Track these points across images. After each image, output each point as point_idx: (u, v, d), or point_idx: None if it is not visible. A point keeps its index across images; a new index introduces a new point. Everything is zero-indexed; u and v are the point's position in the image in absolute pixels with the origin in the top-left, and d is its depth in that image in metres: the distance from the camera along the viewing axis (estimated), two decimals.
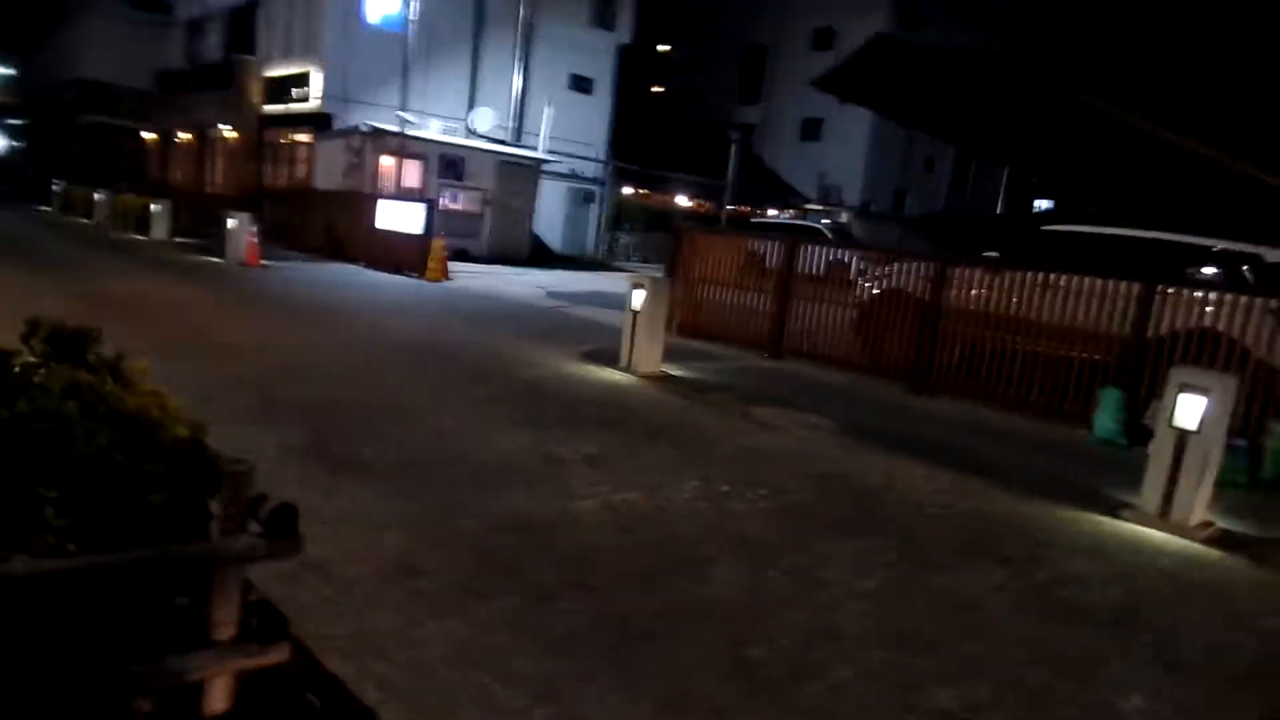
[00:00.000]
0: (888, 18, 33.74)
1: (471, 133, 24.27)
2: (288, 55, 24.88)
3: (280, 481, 3.69)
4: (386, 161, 21.77)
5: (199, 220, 21.75)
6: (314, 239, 20.13)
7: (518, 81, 26.12)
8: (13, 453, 1.99)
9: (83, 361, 2.74)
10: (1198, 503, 5.05)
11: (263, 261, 15.90)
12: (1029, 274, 8.37)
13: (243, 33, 26.95)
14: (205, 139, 28.96)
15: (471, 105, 24.85)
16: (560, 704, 2.69)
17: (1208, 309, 7.35)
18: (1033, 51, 10.38)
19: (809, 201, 35.48)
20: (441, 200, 21.10)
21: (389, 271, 16.88)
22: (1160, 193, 12.17)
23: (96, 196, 23.21)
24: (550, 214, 26.76)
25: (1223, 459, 5.27)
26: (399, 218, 17.43)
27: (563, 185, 27.62)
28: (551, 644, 3.04)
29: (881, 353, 9.46)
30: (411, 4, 21.64)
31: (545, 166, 25.02)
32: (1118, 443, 7.28)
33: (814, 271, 10.36)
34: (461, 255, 19.98)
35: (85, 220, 23.30)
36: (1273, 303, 7.02)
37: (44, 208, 27.48)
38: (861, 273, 10.08)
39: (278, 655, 2.18)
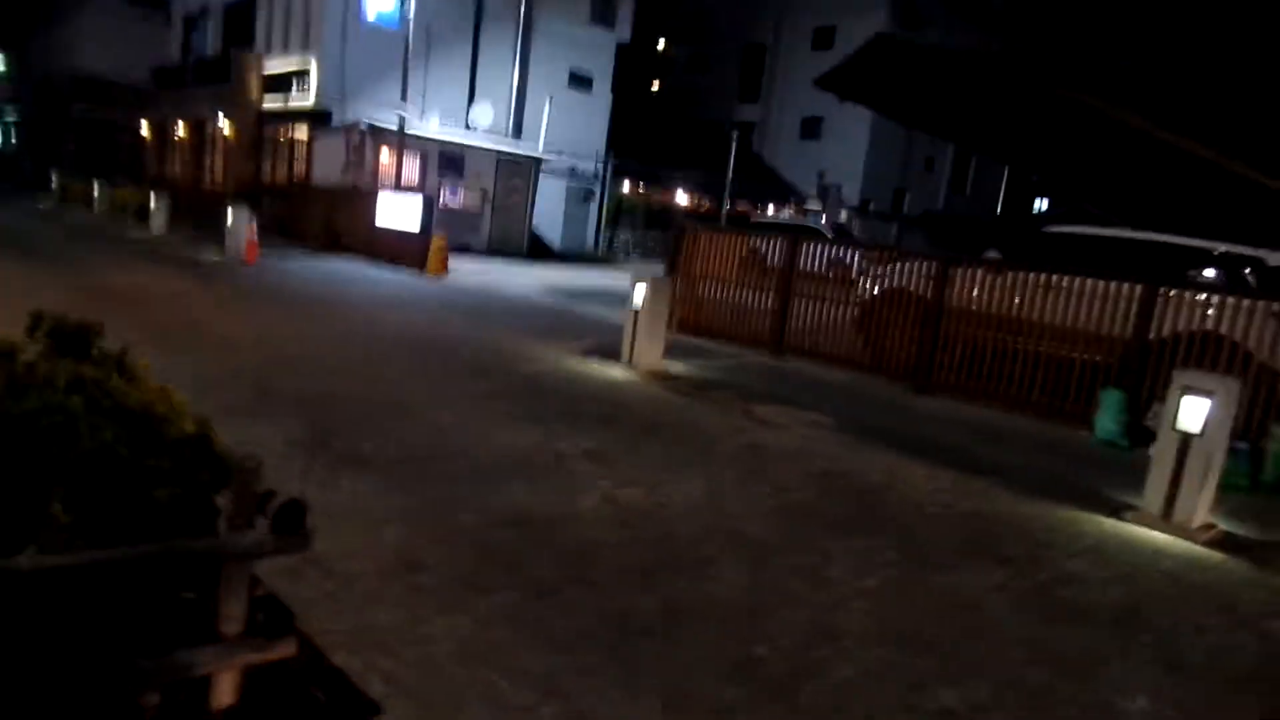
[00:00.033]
0: (888, 17, 33.73)
1: (471, 129, 24.22)
2: (286, 50, 24.81)
3: (280, 476, 3.67)
4: (386, 157, 21.74)
5: (197, 215, 21.69)
6: (313, 234, 20.10)
7: (517, 78, 26.07)
8: (20, 448, 1.98)
9: (86, 356, 2.73)
10: (1200, 505, 5.05)
11: (262, 256, 15.86)
12: (1031, 275, 8.37)
13: (241, 27, 26.87)
14: (203, 133, 28.86)
15: (471, 102, 24.81)
16: (566, 701, 2.68)
17: (1210, 312, 7.35)
18: (1033, 51, 10.38)
19: (808, 200, 35.48)
20: (441, 197, 21.07)
21: (389, 267, 16.86)
22: (1160, 194, 12.17)
23: (95, 190, 23.16)
24: (549, 211, 26.72)
25: (1224, 462, 5.27)
26: (398, 213, 17.41)
27: (562, 182, 27.58)
28: (554, 640, 3.03)
29: (883, 351, 9.46)
30: (410, 0, 21.58)
31: (544, 164, 24.99)
32: (1119, 444, 7.29)
33: (816, 269, 10.36)
34: (461, 251, 19.95)
35: (83, 213, 23.24)
36: (1275, 306, 7.02)
37: (41, 200, 27.40)
38: (863, 271, 10.07)
39: (284, 650, 2.17)
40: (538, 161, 24.38)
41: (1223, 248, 8.41)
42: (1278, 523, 5.65)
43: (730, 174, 28.62)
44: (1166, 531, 5.03)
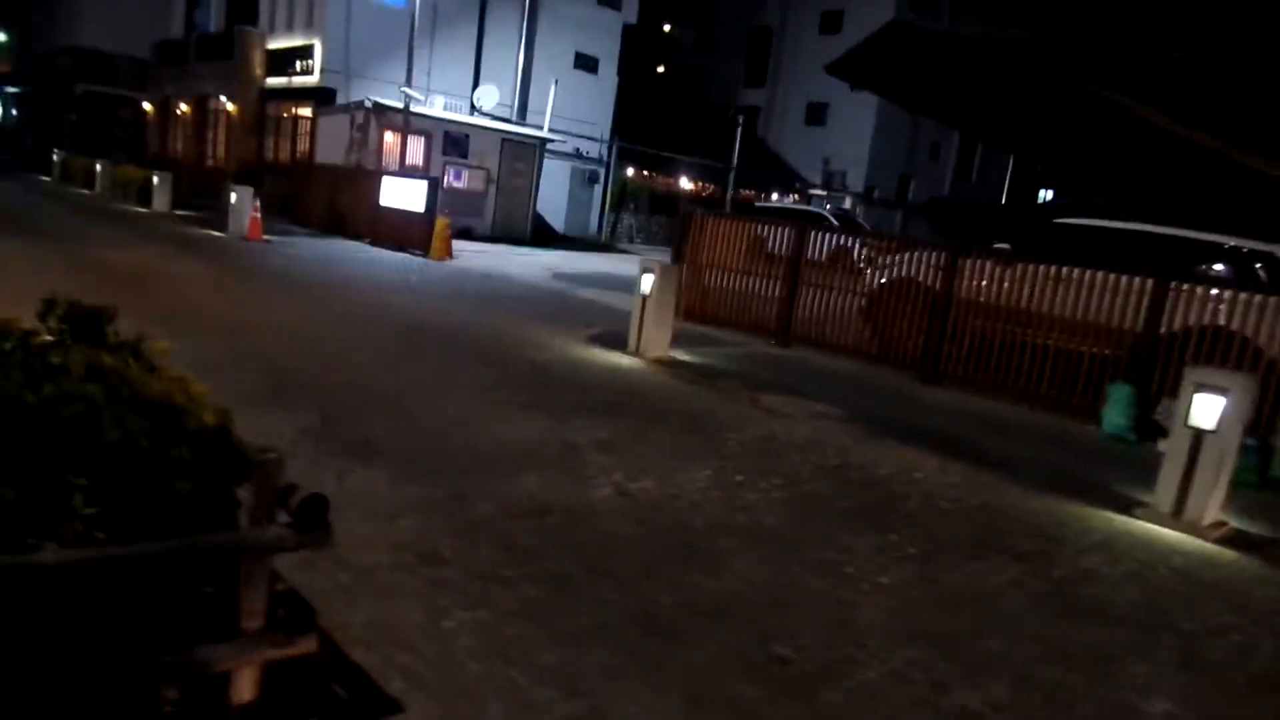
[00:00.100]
0: (897, 1, 33.48)
1: (476, 110, 24.07)
2: (290, 28, 24.64)
3: (291, 465, 3.65)
4: (389, 138, 21.60)
5: (200, 193, 21.62)
6: (316, 214, 20.01)
7: (522, 59, 25.90)
8: (41, 438, 1.95)
9: (101, 341, 2.69)
10: (1212, 502, 5.03)
11: (265, 236, 15.80)
12: (1041, 266, 8.32)
13: (244, 3, 26.66)
14: (205, 111, 28.70)
15: (476, 82, 24.64)
16: (588, 699, 2.66)
17: (1220, 306, 7.31)
18: (1052, 41, 10.23)
19: (814, 186, 35.34)
20: (445, 178, 20.95)
21: (392, 249, 16.78)
22: (1172, 188, 12.09)
23: (97, 167, 23.05)
24: (554, 194, 26.59)
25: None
26: (402, 195, 17.30)
27: (566, 165, 27.44)
28: (573, 635, 3.02)
29: (891, 341, 9.43)
30: None
31: (549, 146, 24.83)
32: (1127, 438, 7.27)
33: (822, 258, 10.31)
34: (465, 234, 19.87)
35: (85, 190, 23.14)
36: None
37: (43, 177, 27.28)
38: (871, 260, 10.02)
39: (305, 646, 2.15)
40: (543, 143, 24.23)
41: (1233, 242, 8.37)
42: None
43: (735, 159, 28.50)
44: (1177, 529, 5.02)
